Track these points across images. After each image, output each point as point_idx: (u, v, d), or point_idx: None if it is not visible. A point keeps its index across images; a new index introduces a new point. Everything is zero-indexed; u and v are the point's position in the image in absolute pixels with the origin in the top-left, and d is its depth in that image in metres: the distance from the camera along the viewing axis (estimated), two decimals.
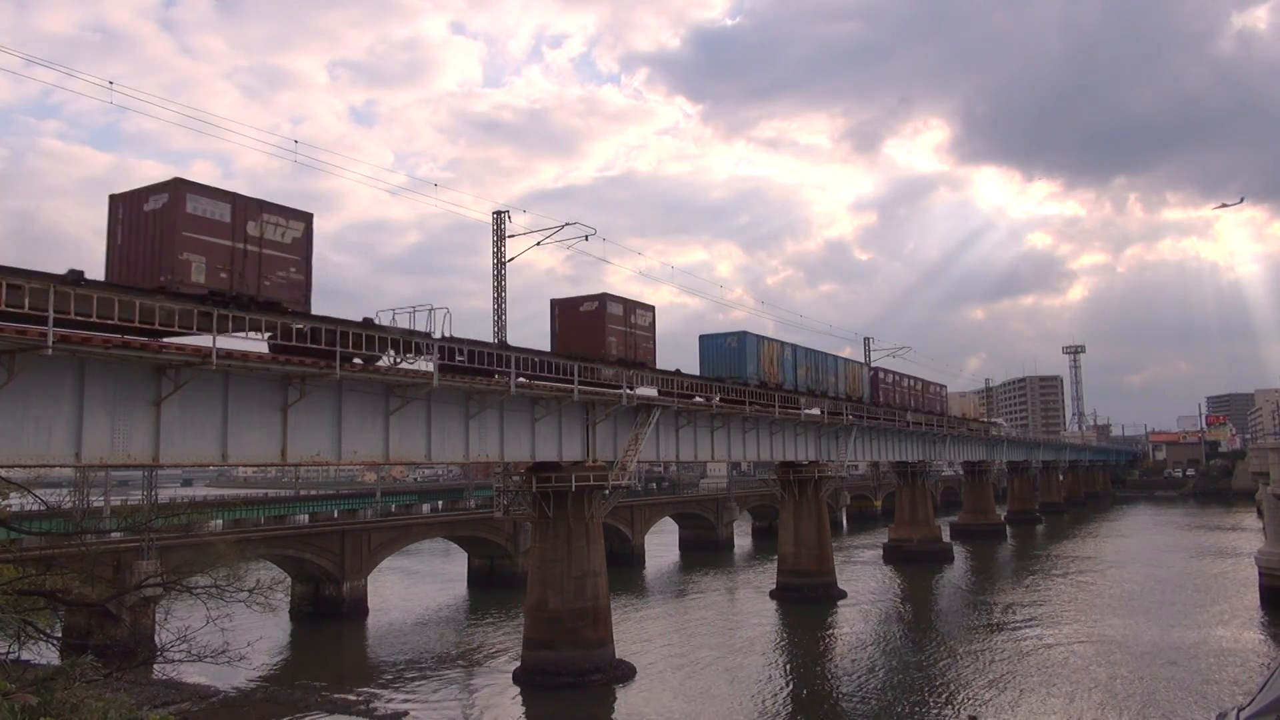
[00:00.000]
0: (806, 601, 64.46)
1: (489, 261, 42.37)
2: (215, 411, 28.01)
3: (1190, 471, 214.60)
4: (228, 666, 25.29)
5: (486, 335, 39.29)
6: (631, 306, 44.81)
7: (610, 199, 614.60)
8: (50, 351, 21.91)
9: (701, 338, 56.01)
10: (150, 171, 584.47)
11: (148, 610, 46.91)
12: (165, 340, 25.72)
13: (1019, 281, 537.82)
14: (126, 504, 77.68)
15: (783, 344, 59.41)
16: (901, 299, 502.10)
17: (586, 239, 44.43)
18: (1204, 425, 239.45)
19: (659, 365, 46.76)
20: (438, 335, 32.34)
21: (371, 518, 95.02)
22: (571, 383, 39.35)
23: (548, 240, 43.73)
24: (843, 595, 66.70)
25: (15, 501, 34.19)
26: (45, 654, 28.35)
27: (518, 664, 43.87)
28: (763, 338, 57.35)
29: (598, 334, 42.40)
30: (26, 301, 21.45)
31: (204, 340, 25.88)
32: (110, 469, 63.44)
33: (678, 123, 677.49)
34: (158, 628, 40.88)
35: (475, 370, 34.80)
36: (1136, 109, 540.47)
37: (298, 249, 28.50)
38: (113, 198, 26.75)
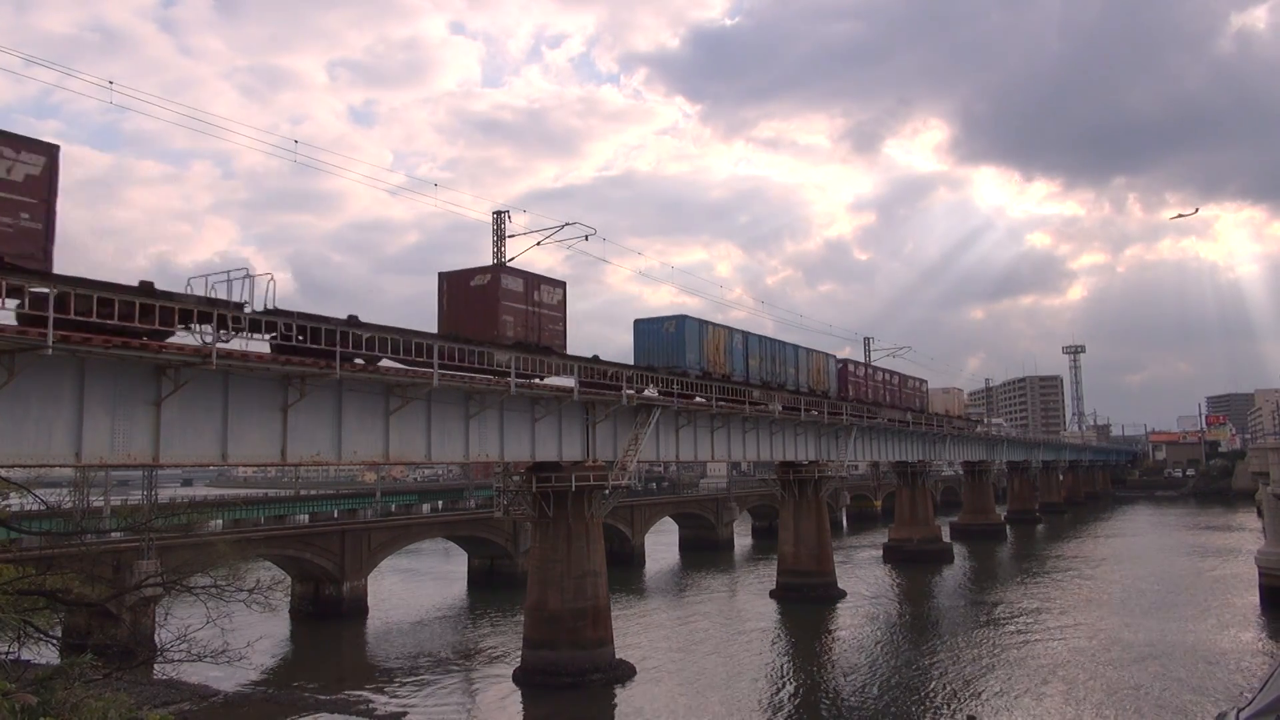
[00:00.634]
0: (806, 601, 64.45)
1: (489, 261, 42.39)
2: (215, 411, 28.00)
3: (1190, 471, 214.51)
4: (228, 666, 25.31)
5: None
6: (535, 281, 39.47)
7: (610, 199, 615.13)
8: (50, 351, 21.90)
9: (636, 323, 50.46)
10: (150, 171, 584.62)
11: (148, 610, 46.89)
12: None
13: (1018, 281, 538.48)
14: (126, 504, 77.64)
15: (731, 330, 53.62)
16: (901, 299, 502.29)
17: (586, 239, 44.50)
18: (1204, 425, 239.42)
19: (606, 356, 42.25)
20: (258, 308, 26.56)
21: (371, 518, 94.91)
22: (461, 370, 34.37)
23: (548, 240, 43.79)
24: (843, 595, 66.71)
25: (15, 501, 34.18)
26: (45, 654, 28.36)
27: (518, 664, 43.86)
28: (707, 323, 51.36)
29: (490, 312, 37.01)
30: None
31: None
32: (110, 469, 63.36)
33: (677, 123, 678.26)
34: (158, 628, 40.87)
35: (314, 352, 28.67)
36: (1136, 109, 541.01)
37: (33, 189, 22.31)
38: None
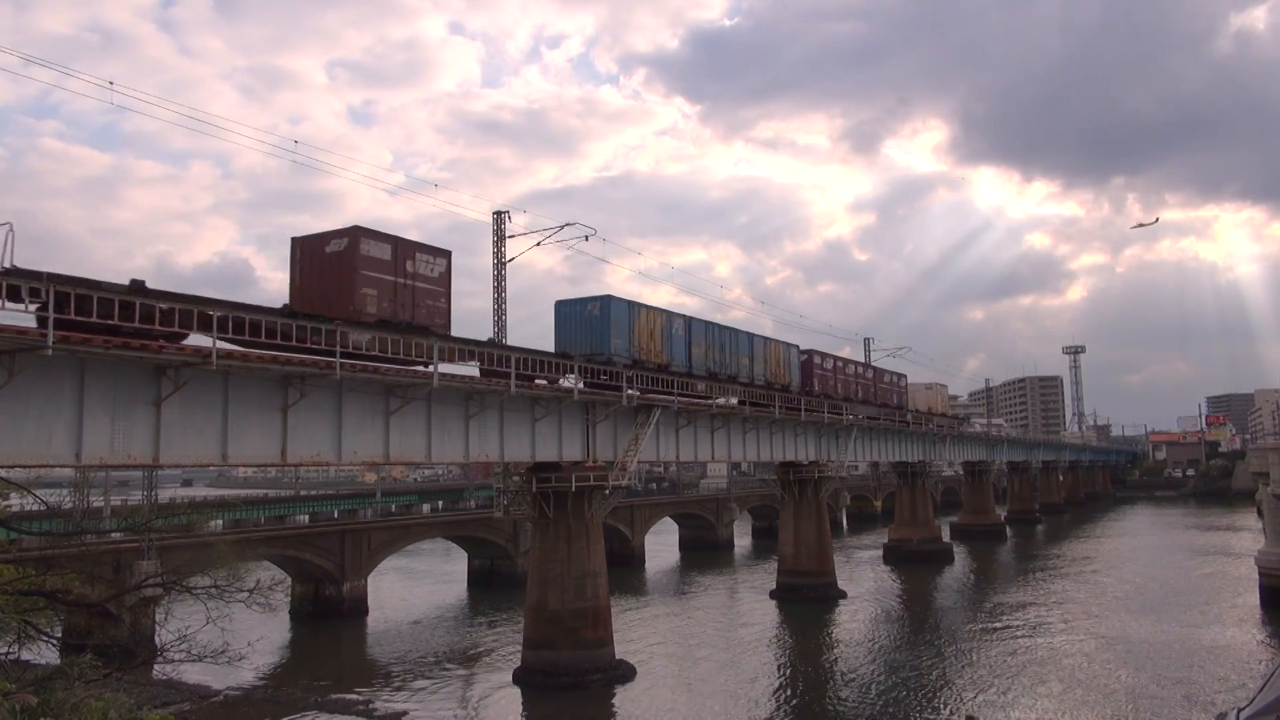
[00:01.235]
0: (806, 602, 64.46)
1: (489, 261, 42.47)
2: (215, 411, 28.01)
3: (1190, 472, 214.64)
4: (228, 666, 25.34)
5: (488, 335, 39.11)
6: (409, 249, 33.21)
7: (609, 199, 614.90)
8: (50, 352, 21.92)
9: (558, 304, 44.79)
10: (149, 171, 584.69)
11: (148, 610, 46.93)
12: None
13: (1018, 282, 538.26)
14: (126, 504, 77.71)
15: (670, 314, 47.94)
16: (900, 299, 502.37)
17: (586, 239, 44.46)
18: (1204, 425, 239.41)
19: (511, 340, 38.96)
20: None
21: (371, 518, 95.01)
22: (309, 352, 28.78)
23: (547, 240, 43.77)
24: (843, 595, 66.72)
25: (15, 502, 34.21)
26: (45, 654, 28.34)
27: (517, 664, 43.88)
28: (639, 305, 45.61)
29: (347, 284, 30.92)
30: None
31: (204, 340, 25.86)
32: (110, 469, 63.41)
33: (676, 123, 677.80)
34: (158, 628, 40.93)
35: (93, 327, 23.29)
36: (1135, 109, 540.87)
37: None
38: None
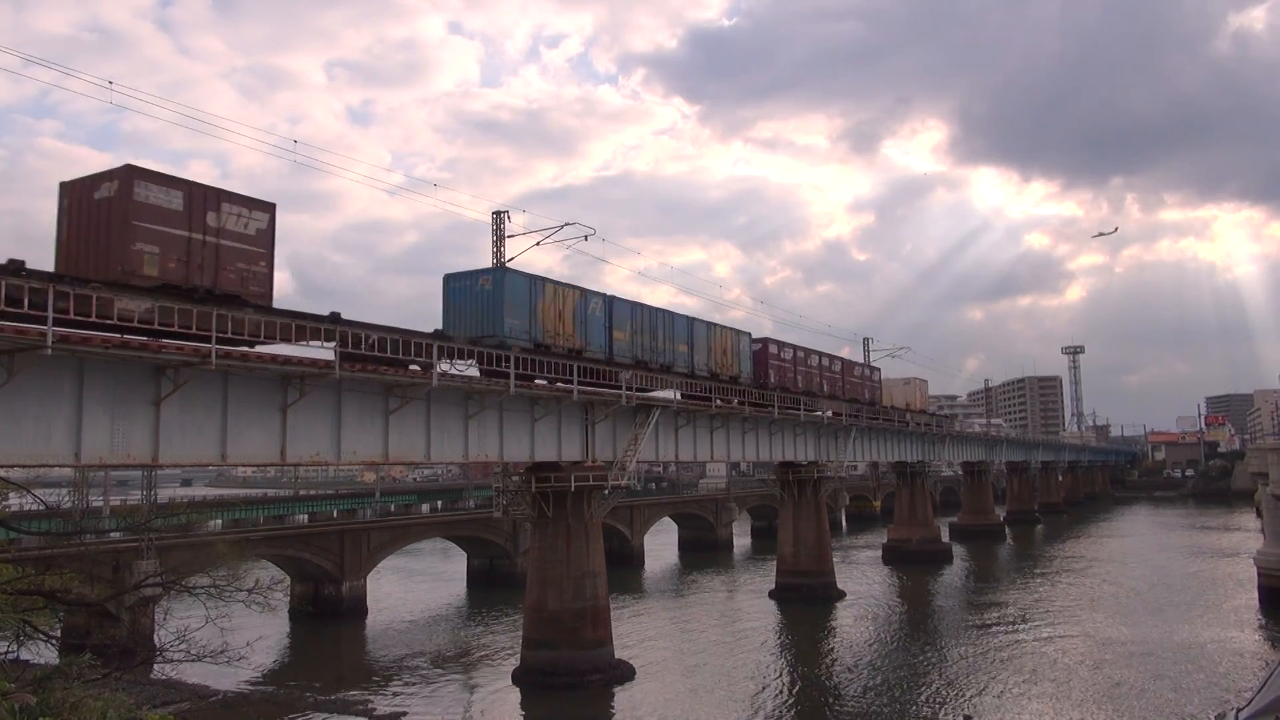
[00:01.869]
0: (806, 602, 64.46)
1: (488, 261, 42.38)
2: (215, 411, 28.00)
3: (1189, 472, 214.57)
4: (227, 666, 25.28)
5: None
6: (210, 197, 26.14)
7: (608, 199, 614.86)
8: (50, 351, 21.91)
9: (446, 278, 39.20)
10: None
11: (147, 610, 46.87)
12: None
13: (1017, 282, 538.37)
14: (126, 504, 77.69)
15: (586, 293, 41.91)
16: (899, 299, 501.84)
17: (586, 239, 44.35)
18: (1203, 426, 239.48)
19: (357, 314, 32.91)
20: None
21: (371, 518, 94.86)
22: (66, 324, 22.59)
23: (547, 240, 43.69)
24: (842, 595, 66.73)
25: (15, 501, 34.17)
26: (45, 654, 28.32)
27: (517, 664, 43.88)
28: (545, 280, 39.93)
29: (118, 237, 24.12)
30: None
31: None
32: (110, 469, 63.41)
33: (675, 123, 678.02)
34: (157, 627, 40.85)
35: None
36: (1134, 109, 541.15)
37: None
38: None
